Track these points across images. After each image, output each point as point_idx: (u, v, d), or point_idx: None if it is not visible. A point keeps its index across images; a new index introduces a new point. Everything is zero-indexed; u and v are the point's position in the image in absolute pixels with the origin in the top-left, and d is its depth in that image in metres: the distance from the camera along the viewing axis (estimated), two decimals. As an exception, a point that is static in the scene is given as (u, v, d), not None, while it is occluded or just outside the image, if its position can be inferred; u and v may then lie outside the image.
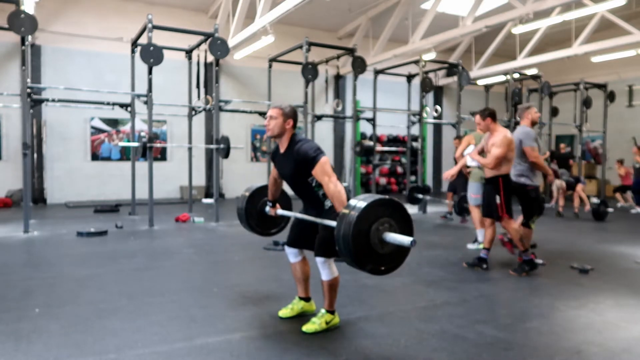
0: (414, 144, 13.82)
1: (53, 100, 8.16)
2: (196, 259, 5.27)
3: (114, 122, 11.69)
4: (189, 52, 9.48)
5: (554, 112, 13.09)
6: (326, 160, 2.80)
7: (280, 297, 3.63)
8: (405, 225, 2.47)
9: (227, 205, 10.49)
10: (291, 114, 2.94)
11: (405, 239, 2.32)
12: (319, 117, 10.50)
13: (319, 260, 2.90)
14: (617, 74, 14.96)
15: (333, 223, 2.55)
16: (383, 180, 15.28)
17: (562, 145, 11.42)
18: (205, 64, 9.60)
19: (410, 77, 12.18)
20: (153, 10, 9.85)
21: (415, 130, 12.64)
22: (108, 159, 11.72)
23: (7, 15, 6.33)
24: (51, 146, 11.04)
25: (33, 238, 6.33)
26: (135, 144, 8.15)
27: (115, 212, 9.49)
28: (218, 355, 2.59)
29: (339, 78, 14.23)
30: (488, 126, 4.71)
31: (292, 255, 3.18)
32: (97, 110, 10.89)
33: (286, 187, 3.25)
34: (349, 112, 13.47)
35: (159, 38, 7.97)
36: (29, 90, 7.02)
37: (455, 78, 11.71)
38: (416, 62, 10.68)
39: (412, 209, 9.87)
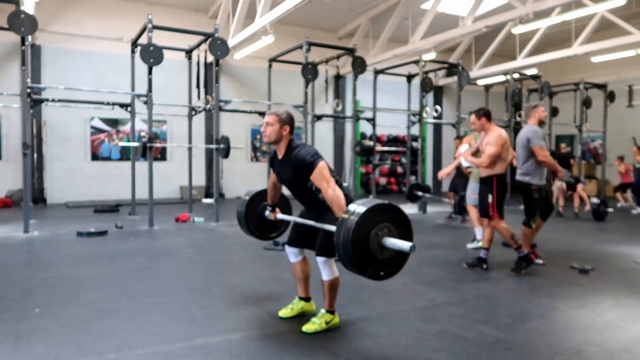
0: (414, 144, 13.82)
1: (53, 100, 8.17)
2: (196, 259, 5.27)
3: (114, 122, 11.69)
4: (189, 52, 9.48)
5: (554, 112, 13.09)
6: (324, 165, 2.79)
7: (280, 297, 3.63)
8: (404, 229, 2.46)
9: (227, 205, 10.49)
10: (288, 120, 2.93)
11: (404, 245, 2.31)
12: (319, 117, 10.50)
13: (320, 260, 2.90)
14: (617, 74, 14.96)
15: (333, 228, 2.54)
16: (383, 180, 15.28)
17: (562, 145, 11.41)
18: (205, 64, 9.60)
19: (410, 77, 12.18)
20: (153, 10, 9.85)
21: (415, 130, 12.65)
22: (108, 159, 11.72)
23: (7, 15, 6.33)
24: (51, 146, 11.04)
25: (33, 238, 6.33)
26: (135, 144, 8.15)
27: (115, 212, 9.49)
28: (218, 355, 2.59)
29: (339, 78, 14.23)
30: (483, 126, 4.71)
31: (292, 254, 3.18)
32: (97, 110, 10.89)
33: (285, 190, 3.24)
34: (349, 112, 13.47)
35: (159, 38, 7.97)
36: (29, 90, 7.02)
37: (455, 78, 11.71)
38: (416, 62, 10.68)
39: (412, 209, 9.87)
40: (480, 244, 5.67)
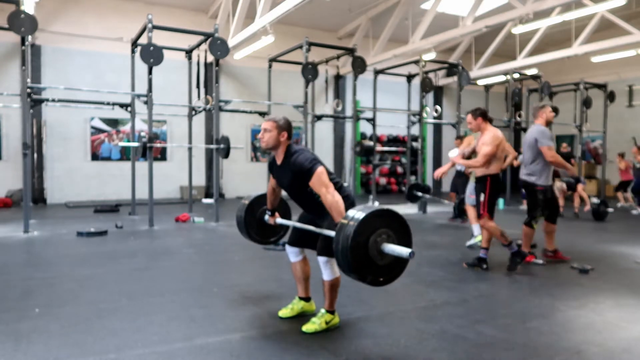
0: (414, 144, 13.82)
1: (53, 100, 8.17)
2: (196, 259, 5.27)
3: (114, 122, 11.69)
4: (189, 52, 9.48)
5: (554, 112, 13.07)
6: (322, 171, 2.79)
7: (280, 297, 3.63)
8: (403, 235, 2.46)
9: (227, 205, 10.49)
10: (285, 126, 2.93)
11: (404, 251, 2.31)
12: (319, 117, 10.50)
13: (321, 260, 2.90)
14: (617, 74, 14.96)
15: (332, 233, 2.54)
16: (383, 180, 15.28)
17: (563, 145, 11.41)
18: (205, 64, 9.60)
19: (410, 77, 12.18)
20: (153, 10, 9.85)
21: (415, 130, 12.64)
22: (108, 159, 11.72)
23: (7, 15, 6.33)
24: (51, 146, 11.04)
25: (33, 238, 6.33)
26: (135, 144, 8.15)
27: (115, 212, 9.49)
28: (218, 355, 2.59)
29: (339, 78, 14.23)
30: (479, 125, 4.71)
31: (292, 254, 3.18)
32: (97, 110, 10.89)
33: (285, 193, 3.24)
34: (349, 112, 13.47)
35: (159, 38, 7.97)
36: (29, 90, 7.02)
37: (455, 78, 11.71)
38: (416, 62, 10.68)
39: (412, 209, 9.87)
40: (478, 238, 5.70)
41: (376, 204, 10.98)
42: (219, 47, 7.82)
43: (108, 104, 8.44)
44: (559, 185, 9.16)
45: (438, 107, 12.18)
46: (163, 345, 2.72)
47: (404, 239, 2.45)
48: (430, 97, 15.48)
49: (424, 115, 10.58)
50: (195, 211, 9.30)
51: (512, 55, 14.16)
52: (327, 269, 2.91)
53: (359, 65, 9.88)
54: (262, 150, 13.47)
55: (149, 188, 7.61)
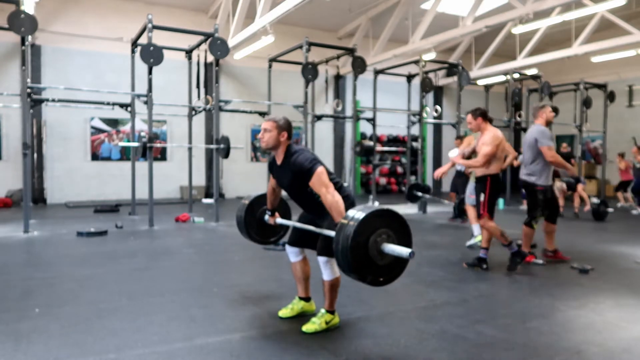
0: (414, 144, 13.82)
1: (53, 100, 8.17)
2: (196, 259, 5.27)
3: (114, 122, 11.69)
4: (189, 52, 9.48)
5: (554, 112, 13.08)
6: (322, 171, 2.79)
7: (280, 297, 3.63)
8: (403, 234, 2.45)
9: (227, 205, 10.49)
10: (285, 126, 2.93)
11: (404, 251, 2.31)
12: (319, 117, 10.50)
13: (321, 259, 2.90)
14: (617, 74, 14.96)
15: (332, 233, 2.54)
16: (383, 180, 15.28)
17: (564, 145, 11.41)
18: (205, 64, 9.60)
19: (410, 77, 12.18)
20: (153, 10, 9.85)
21: (415, 130, 12.64)
22: (108, 159, 11.72)
23: (7, 15, 6.33)
24: (51, 146, 11.04)
25: (33, 238, 6.33)
26: (135, 144, 8.15)
27: (115, 212, 9.49)
28: (218, 355, 2.59)
29: (339, 78, 14.23)
30: (479, 125, 4.71)
31: (292, 254, 3.18)
32: (97, 110, 10.89)
33: (284, 193, 3.24)
34: (349, 112, 13.47)
35: (159, 38, 7.97)
36: (29, 90, 7.02)
37: (455, 78, 11.71)
38: (416, 62, 10.68)
39: (412, 209, 9.87)
40: (478, 238, 5.70)
41: (376, 204, 10.98)
42: (219, 47, 7.82)
43: (108, 104, 8.44)
44: (559, 185, 9.16)
45: (438, 107, 12.18)
46: (163, 345, 2.72)
47: (404, 239, 2.45)
48: (430, 97, 15.48)
49: (424, 115, 10.58)
50: (195, 211, 9.30)
51: (512, 55, 14.16)
52: (327, 269, 2.91)
53: (359, 65, 9.88)
54: (262, 150, 13.47)
55: (149, 188, 7.61)
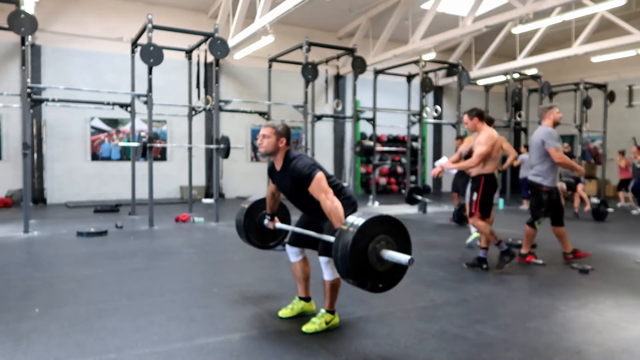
0: (414, 144, 13.82)
1: (53, 100, 8.17)
2: (196, 259, 5.27)
3: (114, 122, 11.69)
4: (189, 52, 9.48)
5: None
6: (321, 176, 2.79)
7: (280, 297, 3.63)
8: (402, 240, 2.45)
9: (227, 205, 10.49)
10: (284, 132, 2.93)
11: (403, 258, 2.31)
12: (319, 117, 10.50)
13: (323, 260, 2.90)
14: (617, 74, 14.97)
15: (332, 239, 2.54)
16: (383, 180, 15.28)
17: (564, 145, 11.41)
18: (205, 64, 9.60)
19: (410, 77, 12.18)
20: (153, 10, 9.85)
21: (415, 130, 12.65)
22: (108, 159, 11.72)
23: (7, 15, 6.33)
24: (51, 146, 11.05)
25: (33, 238, 6.33)
26: (135, 144, 8.15)
27: (115, 212, 9.49)
28: (218, 355, 2.59)
29: (339, 78, 14.23)
30: (475, 126, 4.71)
31: (293, 254, 3.18)
32: (97, 110, 10.89)
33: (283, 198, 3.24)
34: (349, 112, 13.47)
35: (159, 38, 7.97)
36: (29, 90, 7.02)
37: (455, 78, 11.72)
38: (416, 62, 10.69)
39: (412, 209, 9.87)
40: (474, 235, 5.71)
41: (376, 204, 10.98)
42: (219, 47, 7.82)
43: (108, 104, 8.44)
44: (559, 186, 9.16)
45: (438, 107, 12.19)
46: (163, 345, 2.72)
47: (403, 245, 2.45)
48: (430, 97, 15.49)
49: (424, 115, 10.58)
50: (195, 211, 9.30)
51: (512, 55, 14.17)
52: (328, 269, 2.91)
53: (359, 65, 9.88)
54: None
55: (149, 188, 7.61)
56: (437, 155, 16.49)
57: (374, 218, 2.40)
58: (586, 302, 3.63)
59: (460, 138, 9.14)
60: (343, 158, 14.66)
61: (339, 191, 2.92)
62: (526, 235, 4.97)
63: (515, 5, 9.43)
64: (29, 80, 7.05)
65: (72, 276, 4.32)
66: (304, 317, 3.15)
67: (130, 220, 8.15)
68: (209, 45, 7.80)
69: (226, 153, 8.08)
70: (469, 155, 4.92)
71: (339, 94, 14.39)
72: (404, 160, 15.53)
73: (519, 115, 12.75)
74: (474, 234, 5.76)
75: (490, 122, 5.94)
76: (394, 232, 2.44)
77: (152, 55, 7.29)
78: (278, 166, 2.99)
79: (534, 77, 12.80)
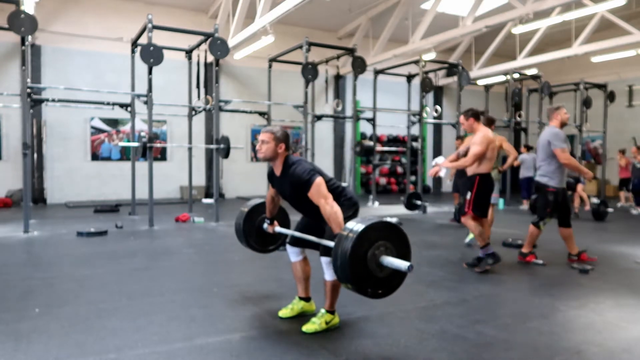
0: (414, 144, 13.82)
1: (53, 100, 8.17)
2: (196, 259, 5.27)
3: (114, 122, 11.69)
4: (189, 52, 9.48)
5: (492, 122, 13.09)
6: (320, 182, 2.78)
7: (280, 297, 3.63)
8: (401, 246, 2.45)
9: (227, 205, 10.49)
10: (283, 138, 2.92)
11: (402, 264, 2.30)
12: (319, 117, 10.50)
13: (324, 260, 2.89)
14: (617, 74, 14.97)
15: (331, 243, 2.54)
16: (383, 181, 15.28)
17: None
18: (205, 64, 9.60)
19: (410, 77, 12.18)
20: (153, 10, 9.85)
21: (415, 130, 12.65)
22: (108, 159, 11.72)
23: (7, 15, 6.33)
24: (51, 146, 11.05)
25: (33, 238, 6.33)
26: (135, 144, 8.15)
27: (115, 212, 9.49)
28: (218, 355, 2.59)
29: (339, 78, 14.23)
30: (471, 126, 4.74)
31: (293, 254, 3.18)
32: (97, 110, 10.89)
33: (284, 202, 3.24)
34: (349, 112, 13.47)
35: (159, 38, 7.97)
36: (29, 90, 7.02)
37: (455, 78, 11.72)
38: (416, 62, 10.69)
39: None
40: (471, 235, 5.71)
41: (376, 204, 10.99)
42: (219, 47, 7.82)
43: (108, 104, 8.44)
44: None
45: (438, 107, 12.19)
46: (163, 345, 2.72)
47: (403, 251, 2.45)
48: (430, 97, 15.49)
49: (424, 115, 10.58)
50: (195, 211, 9.30)
51: (512, 55, 14.17)
52: (329, 269, 2.90)
53: (359, 65, 9.88)
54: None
55: (149, 188, 7.61)
56: (437, 155, 16.49)
57: (374, 224, 2.40)
58: (586, 302, 3.63)
59: (460, 138, 9.14)
60: (343, 158, 14.66)
61: (339, 193, 2.92)
62: (530, 235, 4.97)
63: (515, 5, 9.43)
64: (29, 80, 7.05)
65: (72, 276, 4.32)
66: (304, 317, 3.15)
67: (130, 220, 8.15)
68: (209, 45, 7.80)
69: (226, 153, 8.08)
70: (465, 154, 4.94)
71: (339, 94, 14.39)
72: (404, 160, 15.52)
73: (519, 115, 12.75)
74: (471, 234, 5.77)
75: (491, 122, 5.95)
76: (393, 238, 2.44)
77: (152, 55, 7.29)
78: (277, 171, 2.98)
79: (534, 77, 12.80)
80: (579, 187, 9.23)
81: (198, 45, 8.95)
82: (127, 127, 11.49)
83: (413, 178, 14.88)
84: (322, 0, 11.12)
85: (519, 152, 10.41)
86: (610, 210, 8.88)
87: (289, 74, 12.54)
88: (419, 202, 9.34)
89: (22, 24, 6.37)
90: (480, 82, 14.14)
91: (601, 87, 12.94)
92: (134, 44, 8.68)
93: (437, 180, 16.17)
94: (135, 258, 5.19)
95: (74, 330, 2.94)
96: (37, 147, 10.77)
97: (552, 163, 4.75)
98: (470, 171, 4.71)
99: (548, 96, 12.76)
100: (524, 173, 10.73)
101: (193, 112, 9.61)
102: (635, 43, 11.03)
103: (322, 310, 2.99)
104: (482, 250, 4.60)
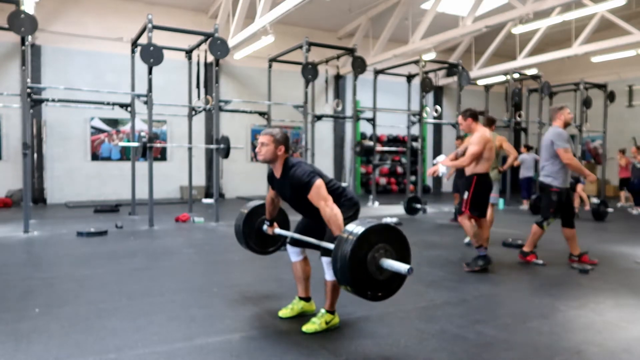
0: (414, 144, 13.83)
1: (53, 100, 8.17)
2: (196, 259, 5.27)
3: (114, 122, 11.69)
4: (189, 52, 9.48)
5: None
6: (320, 184, 2.78)
7: (280, 297, 3.63)
8: (401, 248, 2.45)
9: (227, 205, 10.49)
10: (282, 140, 2.92)
11: (402, 267, 2.30)
12: (319, 117, 10.50)
13: (325, 260, 2.89)
14: (617, 74, 14.97)
15: (331, 246, 2.54)
16: (383, 181, 15.28)
17: None
18: (205, 64, 9.60)
19: (410, 77, 12.19)
20: (153, 10, 9.86)
21: (415, 130, 12.65)
22: (108, 159, 11.72)
23: (7, 15, 6.33)
24: (51, 146, 11.04)
25: (33, 238, 6.33)
26: (135, 144, 8.15)
27: (115, 212, 9.49)
28: (218, 355, 2.59)
29: (339, 78, 14.23)
30: (469, 126, 4.76)
31: (294, 254, 3.18)
32: (97, 110, 10.89)
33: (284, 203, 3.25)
34: (349, 112, 13.47)
35: (159, 38, 7.97)
36: (29, 90, 7.02)
37: (455, 78, 11.72)
38: (416, 62, 10.69)
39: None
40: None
41: (376, 204, 10.99)
42: (219, 47, 7.82)
43: (108, 104, 8.44)
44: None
45: (438, 107, 12.18)
46: (163, 345, 2.72)
47: (402, 253, 2.45)
48: (430, 97, 15.49)
49: (424, 115, 10.58)
50: (195, 211, 9.30)
51: (512, 55, 14.17)
52: (330, 270, 2.90)
53: (359, 65, 9.88)
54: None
55: (149, 188, 7.61)
56: (437, 155, 16.48)
57: (373, 227, 2.39)
58: (586, 302, 3.63)
59: (460, 138, 9.14)
60: (343, 158, 14.66)
61: (340, 193, 2.92)
62: (532, 234, 4.96)
63: (515, 5, 9.42)
64: (29, 80, 7.05)
65: (72, 276, 4.32)
66: (304, 317, 3.15)
67: (130, 220, 8.15)
68: (209, 45, 7.80)
69: (226, 153, 8.08)
70: (464, 154, 4.94)
71: (339, 94, 14.39)
72: (404, 160, 15.52)
73: (519, 115, 12.75)
74: None
75: (491, 122, 5.95)
76: (393, 240, 2.44)
77: (152, 55, 7.29)
78: (277, 173, 2.99)
79: (534, 77, 12.80)
80: (579, 187, 9.24)
81: (198, 45, 8.95)
82: (127, 127, 11.49)
83: (413, 178, 14.89)
84: (322, 0, 11.12)
85: (519, 152, 10.41)
86: (610, 210, 8.88)
87: (289, 74, 12.54)
88: (418, 206, 9.35)
89: (22, 24, 6.37)
90: (480, 82, 14.14)
91: (601, 87, 12.94)
92: (134, 44, 8.67)
93: (437, 180, 16.19)
94: (135, 258, 5.19)
95: (74, 330, 2.94)
96: (37, 147, 10.77)
97: (556, 163, 4.75)
98: (467, 171, 4.73)
99: (548, 96, 12.76)
100: (524, 173, 10.74)
101: (193, 112, 9.61)
102: (635, 43, 11.03)
103: (322, 310, 2.99)
104: (477, 250, 4.62)
